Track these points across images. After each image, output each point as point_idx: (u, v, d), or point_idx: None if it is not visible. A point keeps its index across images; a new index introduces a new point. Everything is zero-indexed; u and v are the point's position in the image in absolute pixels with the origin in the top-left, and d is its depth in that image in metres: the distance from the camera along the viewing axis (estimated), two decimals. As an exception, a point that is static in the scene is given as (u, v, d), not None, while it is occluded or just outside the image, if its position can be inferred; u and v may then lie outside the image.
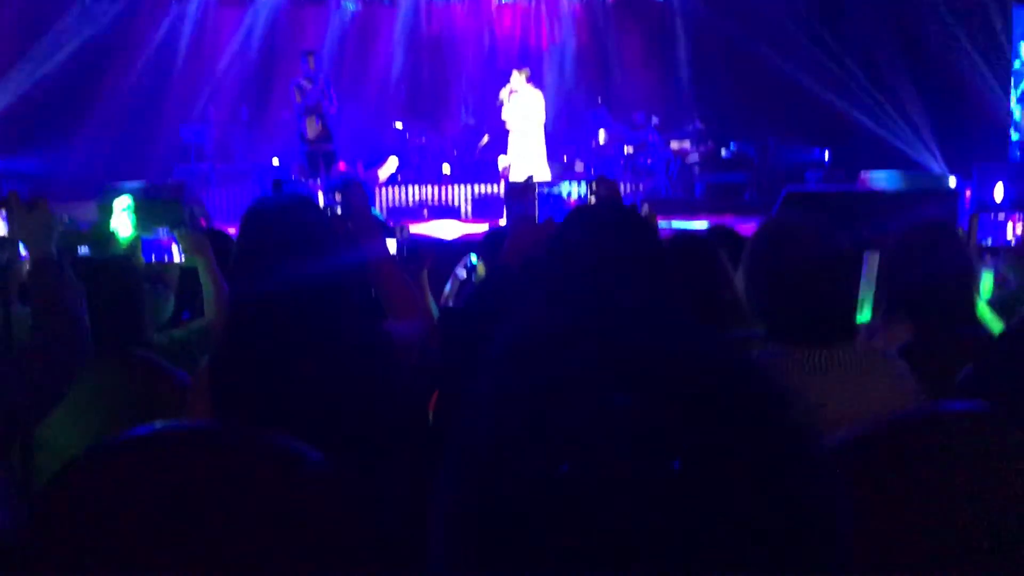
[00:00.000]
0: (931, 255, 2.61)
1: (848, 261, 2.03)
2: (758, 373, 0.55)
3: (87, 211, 7.13)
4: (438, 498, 0.56)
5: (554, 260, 1.79)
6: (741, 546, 0.48)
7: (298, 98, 9.96)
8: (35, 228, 1.99)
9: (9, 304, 2.20)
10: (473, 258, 4.74)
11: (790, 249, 1.92)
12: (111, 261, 2.71)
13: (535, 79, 11.16)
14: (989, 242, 3.23)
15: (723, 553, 0.47)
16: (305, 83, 9.93)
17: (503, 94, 10.84)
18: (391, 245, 3.27)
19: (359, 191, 2.42)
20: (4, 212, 2.07)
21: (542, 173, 10.76)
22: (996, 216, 3.28)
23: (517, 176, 10.58)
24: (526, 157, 10.67)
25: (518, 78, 10.73)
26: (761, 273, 1.97)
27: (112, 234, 3.77)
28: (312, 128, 9.99)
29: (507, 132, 11.31)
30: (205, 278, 2.89)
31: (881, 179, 7.93)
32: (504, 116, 10.92)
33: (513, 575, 0.49)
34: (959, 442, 1.48)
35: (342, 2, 13.11)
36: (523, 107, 10.73)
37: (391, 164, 12.56)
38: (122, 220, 3.93)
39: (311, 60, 10.06)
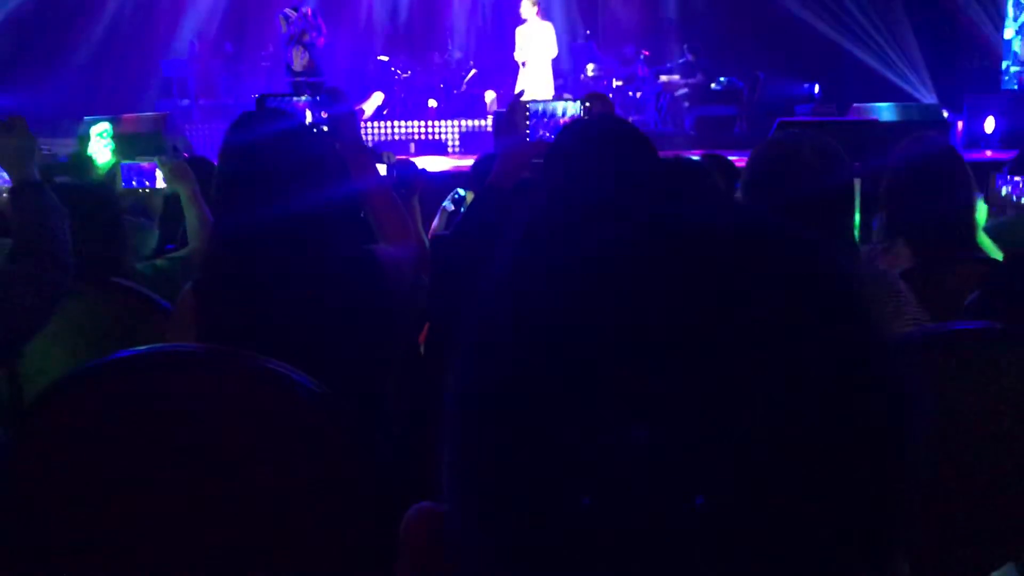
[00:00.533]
0: (934, 181, 2.56)
1: (849, 182, 1.98)
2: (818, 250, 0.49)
3: (66, 146, 6.99)
4: (458, 410, 0.49)
5: (551, 176, 1.72)
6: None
7: (284, 27, 9.72)
8: (14, 150, 1.92)
9: None
10: (461, 191, 4.67)
11: (788, 163, 1.87)
12: (89, 187, 2.63)
13: (515, 12, 10.86)
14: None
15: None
16: (290, 12, 9.69)
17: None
18: (381, 170, 3.20)
19: (351, 115, 2.32)
20: None
21: (544, 96, 10.58)
22: (1013, 178, 3.30)
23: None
24: (532, 88, 10.43)
25: (529, 8, 10.44)
26: (758, 188, 1.92)
27: (90, 160, 3.68)
28: (298, 59, 9.77)
29: (494, 65, 11.09)
30: (188, 206, 2.81)
31: (873, 111, 7.84)
32: (516, 56, 10.61)
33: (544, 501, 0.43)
34: (971, 362, 1.45)
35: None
36: (532, 39, 10.46)
37: (376, 98, 12.36)
38: (100, 146, 3.82)
39: None
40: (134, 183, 2.94)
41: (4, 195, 2.70)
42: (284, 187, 1.80)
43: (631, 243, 0.46)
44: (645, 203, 0.51)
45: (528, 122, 2.09)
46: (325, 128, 2.25)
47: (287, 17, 9.69)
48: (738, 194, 2.14)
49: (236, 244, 1.83)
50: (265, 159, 1.82)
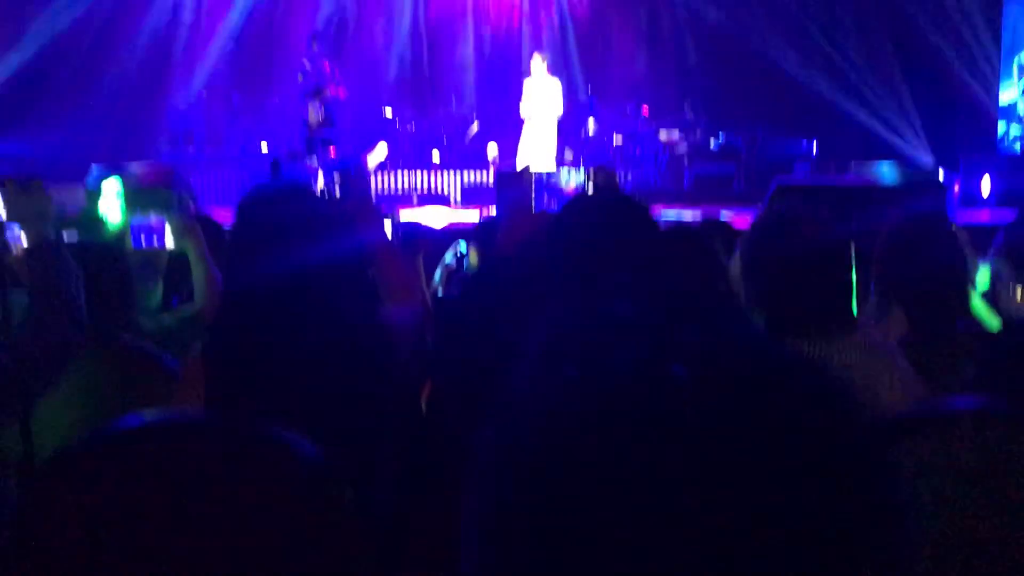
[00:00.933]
0: (923, 248, 2.60)
1: (845, 252, 2.01)
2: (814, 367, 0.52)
3: (74, 194, 7.05)
4: (477, 505, 0.52)
5: (554, 249, 1.76)
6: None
7: (300, 80, 9.86)
8: (31, 210, 1.97)
9: (5, 287, 2.17)
10: (462, 245, 4.72)
11: (787, 241, 1.91)
12: (101, 247, 2.67)
13: (518, 65, 11.03)
14: None
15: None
16: (306, 64, 9.83)
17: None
18: (387, 228, 3.24)
19: (360, 174, 2.38)
20: (0, 195, 2.03)
21: (547, 164, 10.63)
22: None
23: (521, 164, 10.51)
24: (535, 147, 10.51)
25: (538, 64, 10.57)
26: (758, 265, 1.95)
27: (101, 219, 3.72)
28: (313, 113, 9.89)
29: (496, 118, 11.22)
30: (195, 264, 2.85)
31: (870, 171, 7.94)
32: (522, 109, 10.73)
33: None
34: (969, 441, 1.47)
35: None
36: (539, 95, 10.58)
37: (380, 150, 12.49)
38: (111, 204, 3.86)
39: (314, 43, 9.93)
40: (143, 242, 2.98)
41: (17, 252, 2.75)
42: (293, 253, 1.84)
43: (643, 369, 0.49)
44: (656, 323, 0.54)
45: (533, 191, 2.15)
46: (336, 191, 2.30)
47: (304, 72, 9.83)
48: (735, 262, 2.18)
49: (245, 309, 1.86)
50: (276, 227, 1.87)
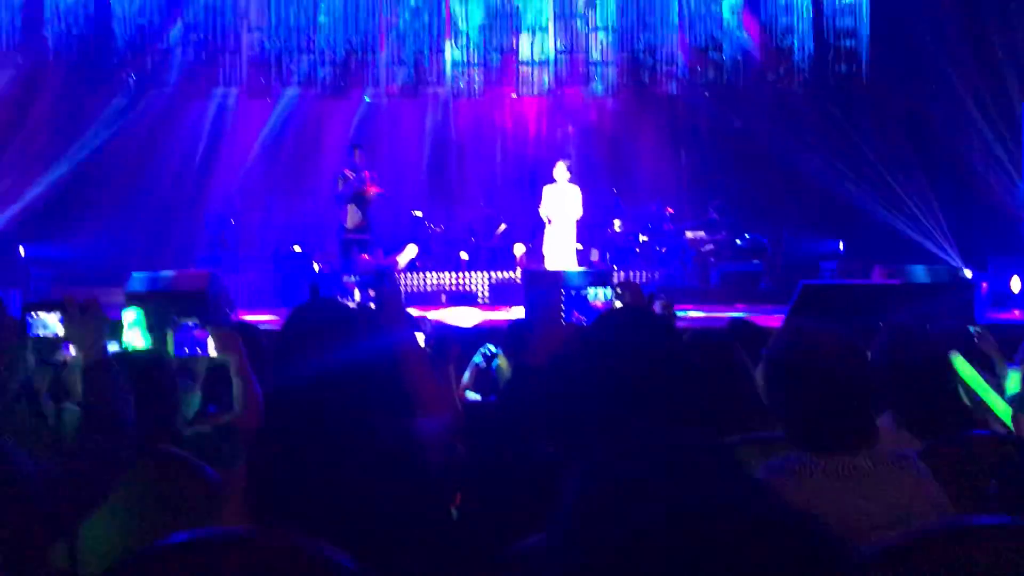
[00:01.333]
0: (905, 356, 2.67)
1: (864, 365, 2.05)
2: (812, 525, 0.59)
3: (113, 296, 7.25)
4: None
5: (584, 365, 1.83)
6: None
7: (340, 186, 10.18)
8: (89, 331, 2.06)
9: (59, 402, 2.27)
10: (491, 347, 4.80)
11: (809, 358, 1.95)
12: (145, 357, 2.77)
13: (548, 169, 11.34)
14: None
15: None
16: (349, 173, 10.16)
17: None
18: (419, 339, 3.33)
19: (393, 285, 2.49)
20: (60, 314, 2.14)
21: (570, 264, 10.92)
22: None
23: (548, 265, 10.75)
24: (558, 248, 10.82)
25: (563, 172, 10.91)
26: (780, 381, 2.00)
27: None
28: (352, 217, 10.19)
29: (523, 220, 11.49)
30: (235, 375, 2.94)
31: (896, 272, 7.98)
32: (541, 211, 11.06)
33: None
34: (991, 557, 1.50)
35: (363, 94, 13.47)
36: (560, 200, 10.90)
37: (410, 251, 12.74)
38: (133, 335, 3.97)
39: (357, 153, 10.29)
40: (186, 350, 3.08)
41: (67, 362, 2.87)
42: (330, 367, 1.93)
43: (664, 530, 0.57)
44: (678, 485, 0.61)
45: (563, 305, 2.25)
46: (372, 305, 2.42)
47: (345, 179, 10.16)
48: (760, 375, 2.23)
49: (285, 422, 1.95)
50: (315, 342, 1.97)
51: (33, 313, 3.07)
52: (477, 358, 4.83)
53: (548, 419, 1.83)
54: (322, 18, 12.04)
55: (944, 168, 12.36)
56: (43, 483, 1.81)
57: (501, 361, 4.64)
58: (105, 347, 2.08)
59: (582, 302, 2.38)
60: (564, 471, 0.68)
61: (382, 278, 2.15)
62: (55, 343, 2.59)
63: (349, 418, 1.93)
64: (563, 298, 2.41)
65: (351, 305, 2.78)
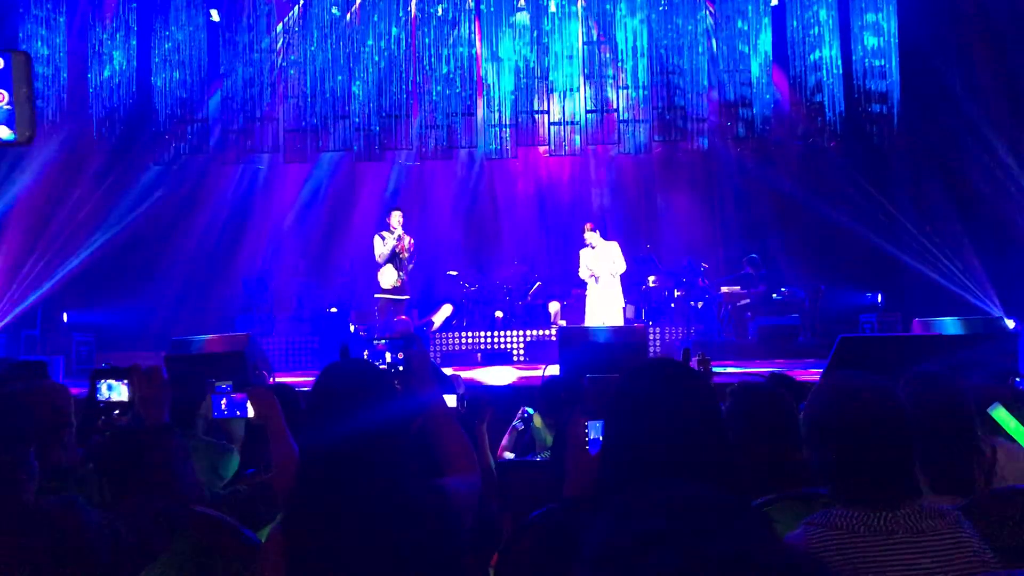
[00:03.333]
0: (928, 406, 2.61)
1: (904, 418, 2.02)
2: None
3: (152, 362, 7.34)
4: None
5: (614, 417, 1.83)
6: None
7: (379, 248, 10.32)
8: (151, 396, 2.16)
9: None
10: (529, 410, 4.81)
11: (849, 413, 1.93)
12: (146, 431, 2.83)
13: (581, 226, 11.44)
14: None
15: None
16: (387, 235, 10.31)
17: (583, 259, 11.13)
18: (451, 400, 3.34)
19: (420, 349, 2.52)
20: (127, 381, 2.26)
21: (616, 319, 11.02)
22: None
23: (595, 321, 10.80)
24: (602, 306, 10.91)
25: (592, 235, 11.06)
26: (820, 437, 1.98)
27: None
28: (388, 278, 10.31)
29: (557, 278, 11.57)
30: (272, 435, 2.96)
31: (937, 324, 7.87)
32: (581, 274, 11.17)
33: None
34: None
35: (397, 159, 13.72)
36: (600, 259, 11.00)
37: (445, 311, 12.82)
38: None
39: (394, 215, 10.44)
40: (225, 412, 3.12)
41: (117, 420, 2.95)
42: (365, 432, 1.96)
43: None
44: (696, 540, 0.62)
45: (588, 438, 2.26)
46: (400, 368, 2.44)
47: (383, 239, 10.31)
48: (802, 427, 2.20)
49: (319, 483, 1.97)
50: (344, 404, 2.00)
51: (102, 380, 3.28)
52: (516, 421, 4.84)
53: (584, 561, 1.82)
54: (356, 88, 12.31)
55: (982, 218, 12.23)
56: (107, 536, 1.88)
57: (536, 421, 4.64)
58: (166, 412, 2.16)
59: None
60: (588, 523, 0.69)
61: (410, 340, 2.16)
62: (121, 407, 2.72)
63: (377, 478, 1.95)
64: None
65: (381, 367, 2.80)
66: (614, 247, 11.07)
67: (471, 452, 2.34)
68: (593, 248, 11.01)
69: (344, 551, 1.89)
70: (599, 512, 0.72)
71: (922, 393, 2.66)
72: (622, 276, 11.26)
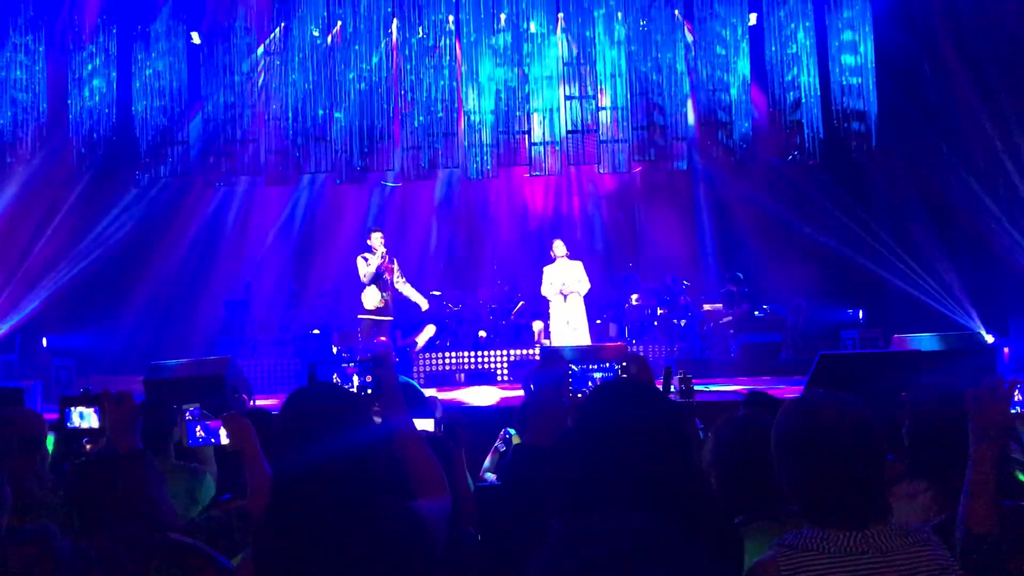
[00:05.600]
0: (949, 425, 2.61)
1: (877, 439, 2.01)
2: None
3: (132, 386, 7.30)
4: None
5: (581, 438, 1.83)
6: None
7: (362, 269, 10.31)
8: (123, 422, 2.15)
9: None
10: (511, 431, 4.79)
11: (815, 431, 1.92)
12: (118, 457, 2.81)
13: (569, 247, 11.50)
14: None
15: None
16: (370, 256, 10.31)
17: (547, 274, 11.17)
18: (429, 424, 3.33)
19: (389, 371, 2.49)
20: (97, 407, 2.26)
21: (583, 338, 10.98)
22: None
23: (558, 341, 10.80)
24: (570, 325, 10.92)
25: (561, 248, 11.10)
26: (787, 455, 1.97)
27: None
28: (372, 299, 10.30)
29: (540, 297, 11.59)
30: (248, 464, 2.94)
31: (916, 340, 7.92)
32: (544, 291, 11.21)
33: None
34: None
35: (382, 181, 13.72)
36: (565, 277, 11.03)
37: (428, 331, 12.80)
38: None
39: (375, 236, 10.44)
40: (200, 440, 3.10)
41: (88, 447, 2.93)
42: (333, 456, 1.95)
43: None
44: (635, 565, 0.62)
45: (570, 385, 2.25)
46: (369, 391, 2.43)
47: (367, 260, 10.30)
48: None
49: (289, 509, 1.95)
50: (314, 432, 1.99)
51: (72, 407, 3.28)
52: (498, 442, 4.82)
53: (549, 497, 1.82)
54: (337, 111, 12.34)
55: (962, 233, 12.33)
56: (81, 565, 1.87)
57: (515, 440, 4.63)
58: (137, 437, 2.15)
59: (589, 379, 2.38)
60: (534, 552, 0.69)
61: (379, 363, 2.15)
62: (93, 434, 2.71)
63: (347, 501, 1.94)
64: (570, 376, 2.41)
65: (350, 390, 2.79)
66: (579, 266, 11.14)
67: (441, 475, 2.33)
68: (556, 260, 11.07)
69: (313, 574, 1.87)
70: (547, 538, 0.73)
71: (926, 411, 2.65)
72: (602, 293, 11.29)
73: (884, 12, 12.24)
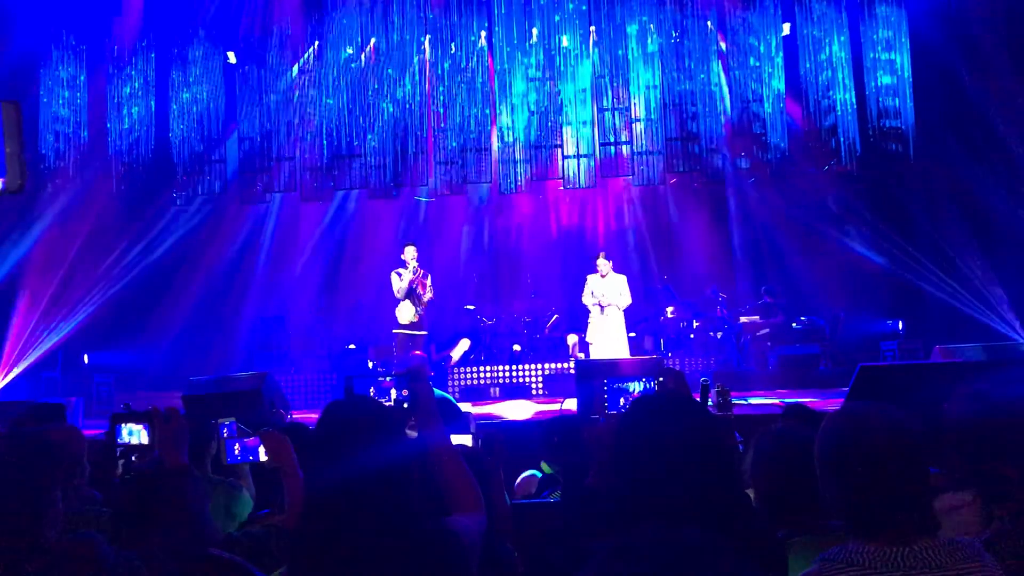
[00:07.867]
0: (997, 435, 2.54)
1: (922, 451, 1.97)
2: None
3: (172, 401, 7.38)
4: None
5: (622, 453, 1.81)
6: None
7: (396, 284, 10.36)
8: (170, 438, 2.19)
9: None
10: (546, 468, 4.73)
11: (860, 445, 1.88)
12: (166, 473, 2.83)
13: (593, 257, 11.46)
14: None
15: None
16: (403, 271, 10.36)
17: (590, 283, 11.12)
18: (466, 440, 3.31)
19: (425, 385, 2.49)
20: (146, 424, 2.31)
21: (622, 352, 10.93)
22: None
23: (598, 354, 10.73)
24: (608, 337, 10.84)
25: (605, 265, 11.05)
26: (831, 469, 1.93)
27: None
28: (406, 314, 10.36)
29: (574, 310, 11.55)
30: (285, 479, 2.95)
31: (960, 351, 7.78)
32: (584, 299, 11.15)
33: None
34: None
35: (415, 196, 13.79)
36: (607, 289, 10.96)
37: (463, 345, 12.82)
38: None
39: (409, 251, 10.48)
40: (239, 457, 3.11)
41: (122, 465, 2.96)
42: (367, 471, 1.94)
43: None
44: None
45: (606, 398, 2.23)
46: (405, 405, 2.43)
47: (400, 275, 10.35)
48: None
49: (323, 525, 1.95)
50: (349, 446, 1.99)
51: (122, 423, 3.36)
52: (536, 472, 4.78)
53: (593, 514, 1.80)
54: (371, 126, 12.43)
55: (1002, 242, 12.11)
56: (125, 570, 1.90)
57: (546, 470, 4.59)
58: (185, 454, 2.19)
59: (626, 394, 2.35)
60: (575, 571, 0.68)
61: (415, 377, 2.14)
62: (142, 450, 2.78)
63: (382, 517, 1.93)
64: (606, 390, 2.39)
65: (386, 403, 2.80)
66: (622, 280, 11.06)
67: (477, 490, 2.31)
68: (603, 277, 10.99)
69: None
70: (590, 555, 0.71)
71: (975, 413, 2.59)
72: (635, 309, 11.21)
73: (921, 18, 12.08)
